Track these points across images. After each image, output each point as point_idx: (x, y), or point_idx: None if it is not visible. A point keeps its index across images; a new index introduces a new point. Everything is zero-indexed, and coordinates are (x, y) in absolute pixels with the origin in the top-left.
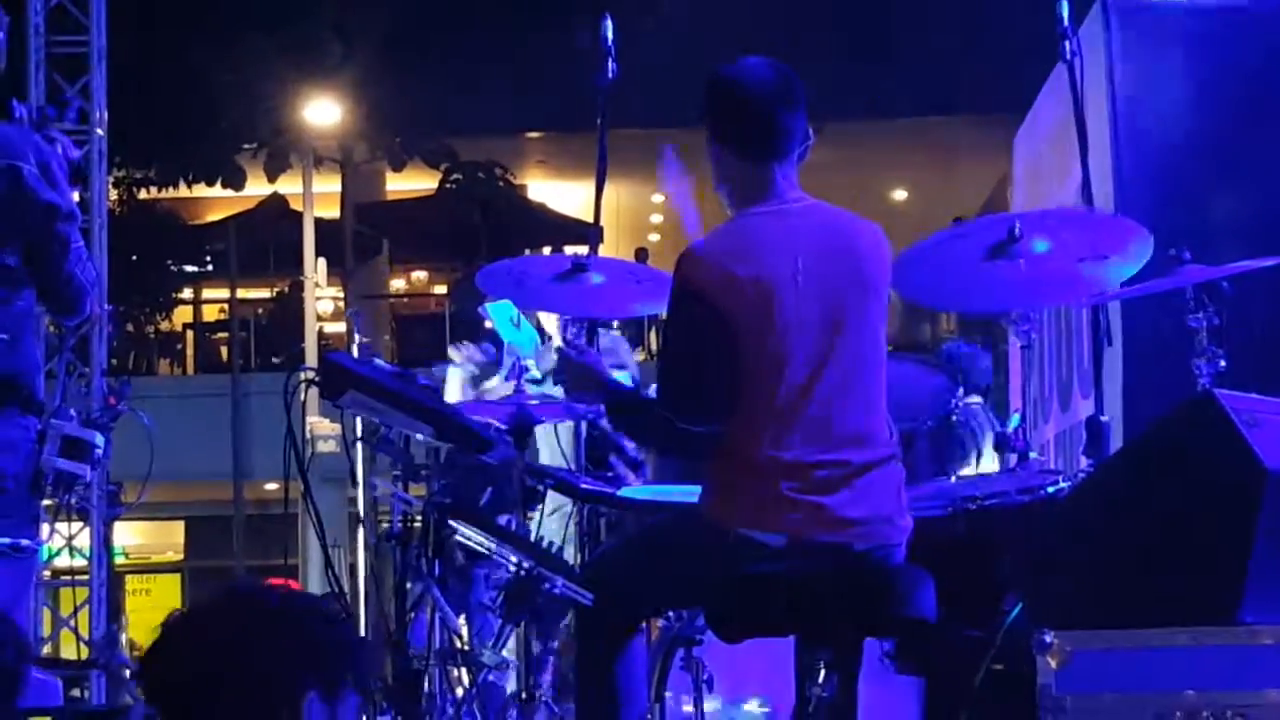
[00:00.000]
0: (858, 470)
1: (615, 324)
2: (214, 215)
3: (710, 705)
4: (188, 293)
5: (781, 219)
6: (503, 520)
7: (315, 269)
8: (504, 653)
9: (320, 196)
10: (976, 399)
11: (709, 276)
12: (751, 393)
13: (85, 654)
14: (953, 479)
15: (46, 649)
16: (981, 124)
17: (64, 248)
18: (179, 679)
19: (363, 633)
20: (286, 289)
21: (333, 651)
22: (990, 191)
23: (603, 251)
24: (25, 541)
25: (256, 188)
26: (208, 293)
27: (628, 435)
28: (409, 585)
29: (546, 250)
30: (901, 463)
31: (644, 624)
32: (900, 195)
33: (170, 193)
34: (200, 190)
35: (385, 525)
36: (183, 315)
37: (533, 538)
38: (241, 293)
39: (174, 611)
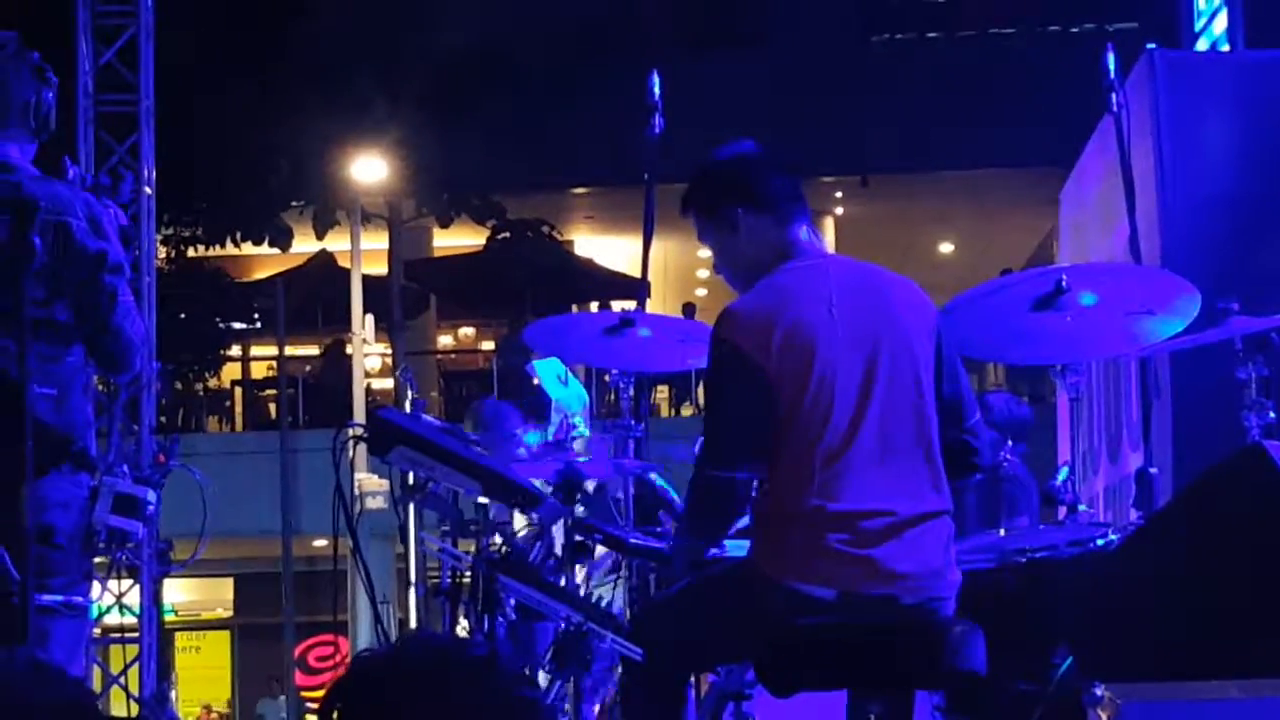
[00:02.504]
0: (907, 522)
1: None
2: (262, 272)
3: None
4: (236, 350)
5: (814, 272)
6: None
7: (363, 326)
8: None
9: (368, 253)
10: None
11: (746, 333)
12: (795, 442)
13: (135, 712)
14: (1001, 532)
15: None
16: (1028, 177)
17: (112, 300)
18: (357, 719)
19: None
20: (334, 346)
21: (519, 714)
22: (1037, 244)
23: (650, 307)
24: (79, 599)
25: (304, 245)
26: (256, 350)
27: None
28: None
29: (594, 306)
30: (952, 517)
31: (693, 678)
32: (947, 248)
33: (218, 250)
34: (248, 248)
35: (435, 581)
36: (231, 372)
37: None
38: (290, 350)
39: (362, 650)
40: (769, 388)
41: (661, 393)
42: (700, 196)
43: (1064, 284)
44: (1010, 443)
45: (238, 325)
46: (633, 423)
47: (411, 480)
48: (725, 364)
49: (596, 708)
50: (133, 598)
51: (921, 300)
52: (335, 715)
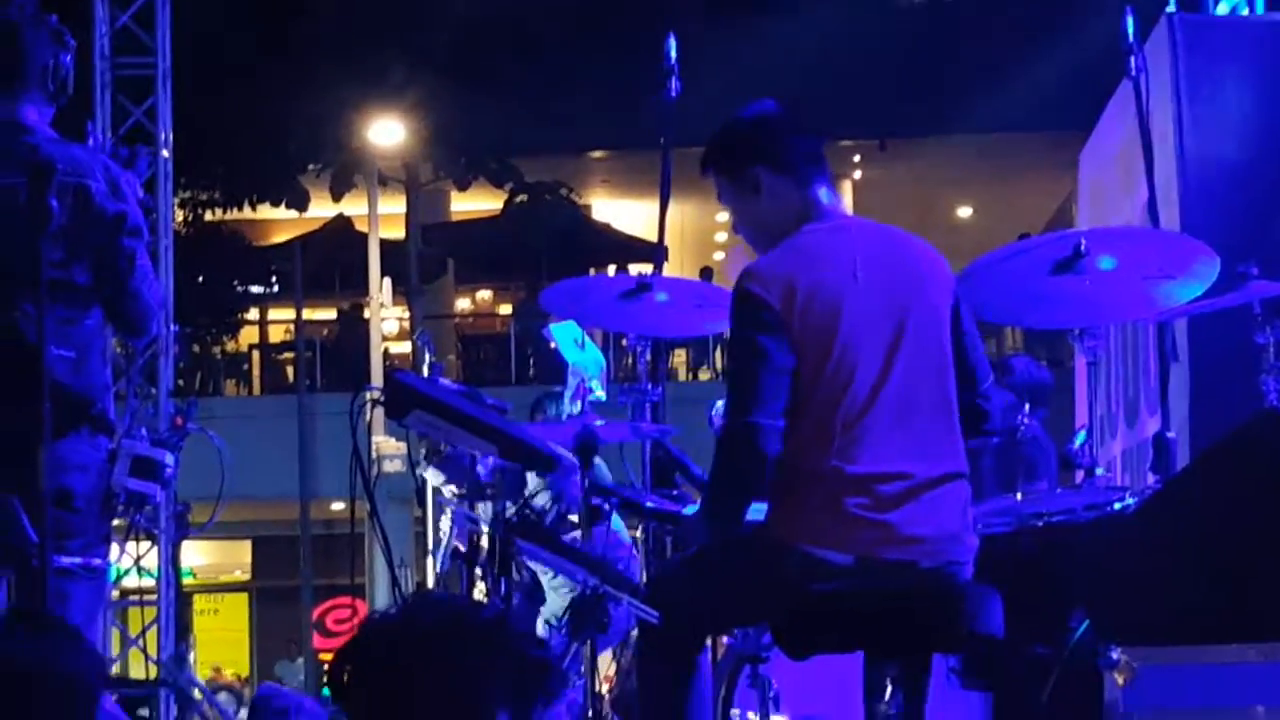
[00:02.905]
0: (925, 485)
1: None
2: (279, 236)
3: None
4: (254, 313)
5: (837, 232)
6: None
7: (380, 289)
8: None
9: (385, 217)
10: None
11: (770, 287)
12: (816, 404)
13: (154, 673)
14: (1019, 496)
15: (115, 669)
16: (1047, 141)
17: (130, 263)
18: (368, 681)
19: None
20: (352, 309)
21: (530, 676)
22: (1056, 208)
23: (667, 270)
24: (97, 561)
25: (321, 209)
26: (273, 313)
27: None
28: None
29: (611, 269)
30: (969, 480)
31: (709, 642)
32: (965, 212)
33: (236, 214)
34: (265, 211)
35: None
36: (249, 336)
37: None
38: (307, 313)
39: (373, 613)
40: (792, 343)
41: (679, 357)
42: (721, 156)
43: (1082, 248)
44: (1028, 406)
45: (255, 289)
46: (650, 386)
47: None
48: (750, 315)
49: (613, 670)
50: (151, 560)
51: (940, 263)
52: (346, 677)
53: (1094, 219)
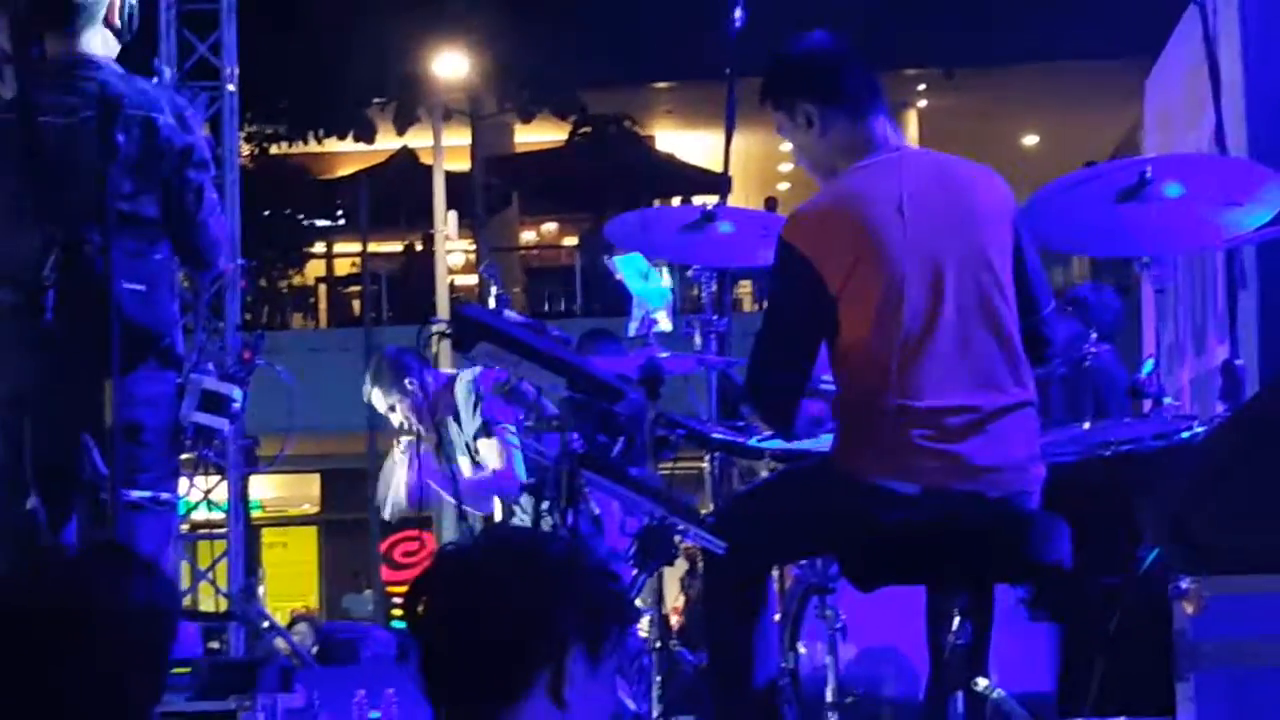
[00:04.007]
0: (990, 416)
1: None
2: (345, 169)
3: (845, 653)
4: (319, 247)
5: (884, 168)
6: (635, 471)
7: (445, 222)
8: (637, 602)
9: (450, 150)
10: (1106, 345)
11: (809, 237)
12: (871, 344)
13: (223, 607)
14: (1086, 425)
15: (185, 602)
16: (1113, 68)
17: (197, 196)
18: (440, 614)
19: None
20: (417, 242)
21: (603, 608)
22: (1122, 137)
23: (732, 201)
24: (165, 495)
25: (386, 142)
26: (339, 247)
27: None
28: None
29: (675, 201)
30: (1037, 409)
31: (776, 573)
32: (1031, 141)
33: (301, 147)
34: (331, 145)
35: None
36: (315, 269)
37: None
38: (373, 246)
39: (446, 545)
40: (829, 296)
41: (744, 288)
42: (774, 91)
43: (1149, 175)
44: (1095, 335)
45: (321, 222)
46: (715, 318)
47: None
48: (785, 268)
49: (680, 601)
50: (220, 494)
51: (999, 190)
52: (420, 609)
53: (1160, 146)
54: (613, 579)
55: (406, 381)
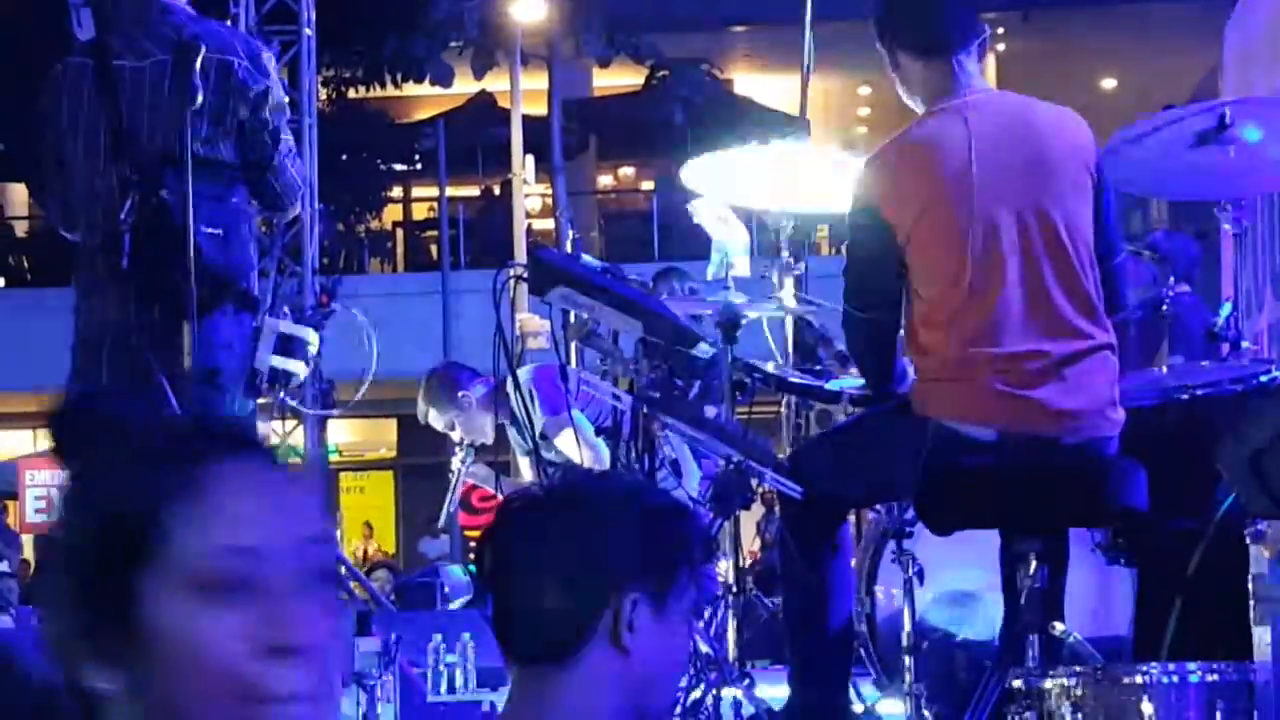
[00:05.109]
0: (1067, 360)
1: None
2: (422, 114)
3: (921, 597)
4: (397, 191)
5: (958, 113)
6: (711, 414)
7: (523, 166)
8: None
9: (527, 94)
10: (1185, 288)
11: (877, 185)
12: (944, 287)
13: None
14: (1164, 369)
15: None
16: (1193, 9)
17: (274, 139)
18: (503, 562)
19: None
20: (495, 187)
21: (671, 549)
22: (1200, 79)
23: (811, 143)
24: None
25: (464, 86)
26: (417, 191)
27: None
28: None
29: (754, 144)
30: (1115, 353)
31: (852, 516)
32: (1109, 84)
33: (378, 91)
34: (408, 89)
35: None
36: (392, 214)
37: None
38: (450, 190)
39: (515, 491)
40: (897, 243)
41: (821, 231)
42: (876, 31)
43: (1228, 118)
44: (1173, 280)
45: (398, 166)
46: (793, 262)
47: (573, 319)
48: (856, 214)
49: (757, 544)
50: (297, 438)
51: (1079, 133)
52: (488, 557)
53: (1240, 89)
54: (682, 518)
55: (460, 394)
